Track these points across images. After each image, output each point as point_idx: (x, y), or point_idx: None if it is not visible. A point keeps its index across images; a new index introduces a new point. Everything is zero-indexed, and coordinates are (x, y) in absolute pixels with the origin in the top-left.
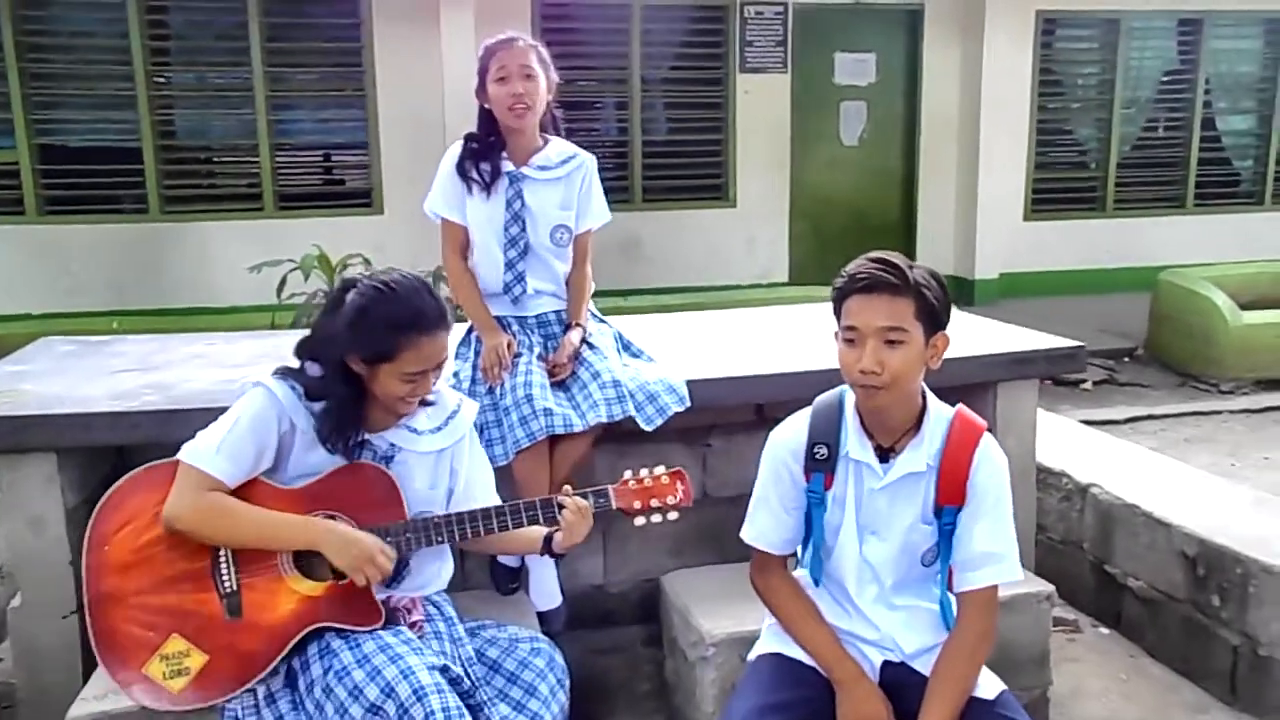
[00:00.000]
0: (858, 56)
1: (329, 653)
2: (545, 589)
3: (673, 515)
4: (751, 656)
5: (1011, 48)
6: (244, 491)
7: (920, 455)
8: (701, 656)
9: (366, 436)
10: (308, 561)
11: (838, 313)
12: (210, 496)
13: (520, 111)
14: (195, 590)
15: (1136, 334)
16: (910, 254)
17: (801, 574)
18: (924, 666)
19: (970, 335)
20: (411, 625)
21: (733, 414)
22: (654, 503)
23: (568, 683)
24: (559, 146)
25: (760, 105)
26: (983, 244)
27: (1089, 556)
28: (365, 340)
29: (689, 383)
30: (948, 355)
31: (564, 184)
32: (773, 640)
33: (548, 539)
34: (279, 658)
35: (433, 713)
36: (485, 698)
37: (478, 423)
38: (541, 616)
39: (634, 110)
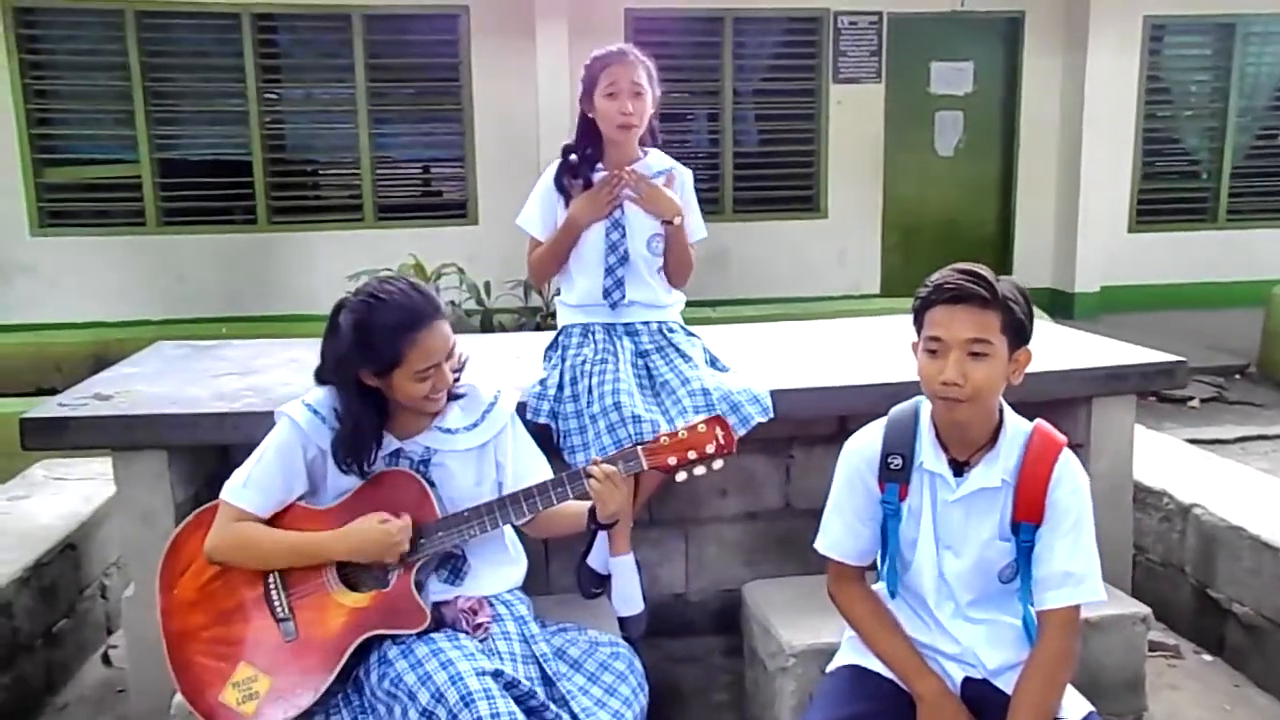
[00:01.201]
0: (955, 65)
1: (384, 660)
2: (627, 594)
3: (717, 464)
4: (830, 668)
5: (1117, 55)
6: (283, 517)
7: (995, 471)
8: (781, 667)
9: (400, 445)
10: (351, 575)
11: (919, 323)
12: (236, 527)
13: (627, 128)
14: (254, 618)
15: (1248, 351)
16: (1007, 266)
17: (879, 587)
18: (1007, 684)
19: (1063, 348)
20: (476, 627)
21: (815, 425)
22: (691, 454)
23: (647, 688)
24: (656, 158)
25: (853, 116)
26: (1083, 256)
27: (1190, 580)
28: (370, 353)
29: (772, 393)
30: (1038, 369)
31: None
32: (851, 652)
33: (592, 512)
34: (337, 669)
35: (481, 718)
36: (565, 691)
37: (561, 429)
38: (622, 623)
39: (725, 122)
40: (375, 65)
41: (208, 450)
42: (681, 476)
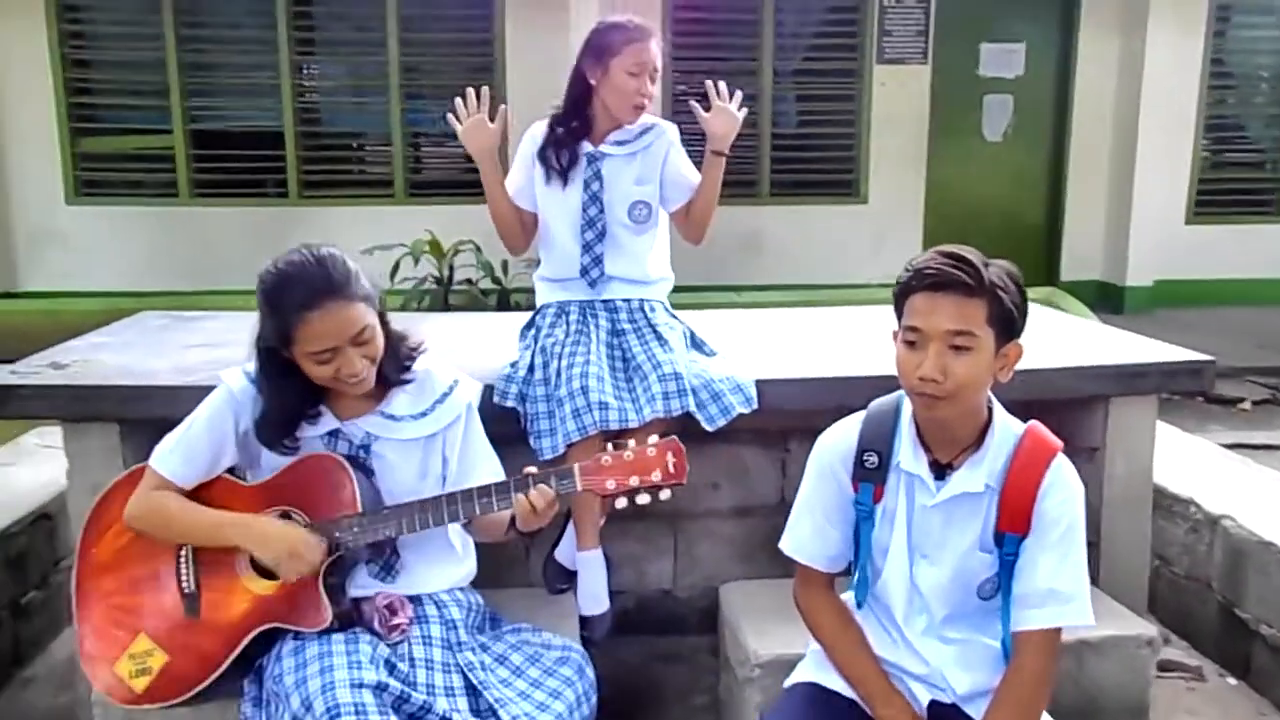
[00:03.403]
0: (1006, 47)
1: (279, 655)
2: (592, 592)
3: (664, 494)
4: (788, 683)
5: (1179, 37)
6: (207, 490)
7: (979, 474)
8: (748, 676)
9: (339, 425)
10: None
11: (899, 311)
12: (153, 496)
13: (640, 111)
14: (160, 590)
15: None
16: (1055, 256)
17: (848, 597)
18: (977, 711)
19: (1080, 344)
20: (393, 628)
21: (813, 418)
22: (634, 480)
23: (595, 697)
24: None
25: (897, 98)
26: (1136, 248)
27: (1217, 596)
28: (269, 328)
29: (763, 382)
30: (1049, 366)
31: (640, 158)
32: (812, 667)
33: (512, 518)
34: (232, 656)
35: None
36: (493, 700)
37: (529, 413)
38: (584, 621)
39: (764, 103)
40: (408, 40)
41: (163, 424)
42: (621, 503)
